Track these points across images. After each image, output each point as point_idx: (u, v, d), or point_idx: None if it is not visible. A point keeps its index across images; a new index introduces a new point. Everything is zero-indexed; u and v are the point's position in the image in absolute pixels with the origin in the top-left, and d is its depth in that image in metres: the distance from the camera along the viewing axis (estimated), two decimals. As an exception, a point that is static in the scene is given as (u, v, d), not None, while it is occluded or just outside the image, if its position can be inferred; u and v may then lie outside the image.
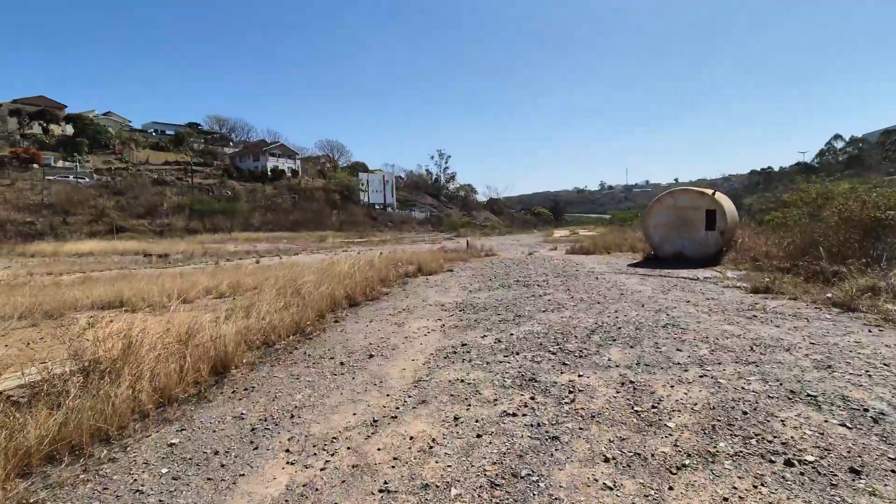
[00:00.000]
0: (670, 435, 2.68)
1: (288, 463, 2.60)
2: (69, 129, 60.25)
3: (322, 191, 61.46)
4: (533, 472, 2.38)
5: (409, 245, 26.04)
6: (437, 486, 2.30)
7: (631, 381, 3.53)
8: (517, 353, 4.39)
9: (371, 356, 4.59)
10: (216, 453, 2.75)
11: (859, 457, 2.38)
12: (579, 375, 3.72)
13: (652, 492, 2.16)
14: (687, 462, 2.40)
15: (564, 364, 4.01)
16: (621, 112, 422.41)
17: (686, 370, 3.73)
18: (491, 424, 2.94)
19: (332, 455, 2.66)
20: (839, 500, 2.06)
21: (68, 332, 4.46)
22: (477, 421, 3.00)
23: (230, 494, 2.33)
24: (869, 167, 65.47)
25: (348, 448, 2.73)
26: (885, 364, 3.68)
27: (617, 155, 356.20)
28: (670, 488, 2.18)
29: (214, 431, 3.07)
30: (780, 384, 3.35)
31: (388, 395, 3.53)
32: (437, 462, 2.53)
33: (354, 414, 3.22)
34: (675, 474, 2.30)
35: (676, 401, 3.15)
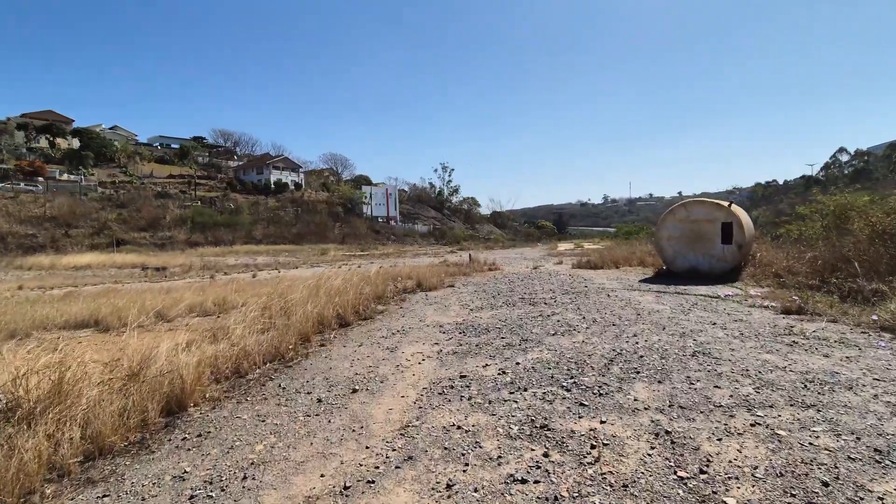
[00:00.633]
0: (732, 517, 2.02)
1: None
2: (76, 143, 60.69)
3: (325, 204, 61.31)
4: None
5: (410, 258, 25.44)
6: None
7: (667, 432, 2.86)
8: (525, 389, 3.73)
9: (355, 390, 3.95)
10: (135, 536, 2.11)
11: None
12: (602, 422, 3.05)
13: None
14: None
15: (582, 405, 3.34)
16: (625, 125, 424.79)
17: (732, 415, 3.05)
18: (494, 496, 2.29)
19: (284, 542, 2.01)
20: None
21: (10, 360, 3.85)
22: (476, 490, 2.34)
23: None
24: (876, 180, 64.69)
25: (307, 530, 2.08)
26: (977, 409, 3.00)
27: (620, 168, 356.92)
28: None
29: (144, 500, 2.42)
30: (858, 439, 2.67)
31: (367, 448, 2.88)
32: (420, 558, 1.87)
33: (322, 476, 2.57)
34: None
35: (730, 462, 2.49)
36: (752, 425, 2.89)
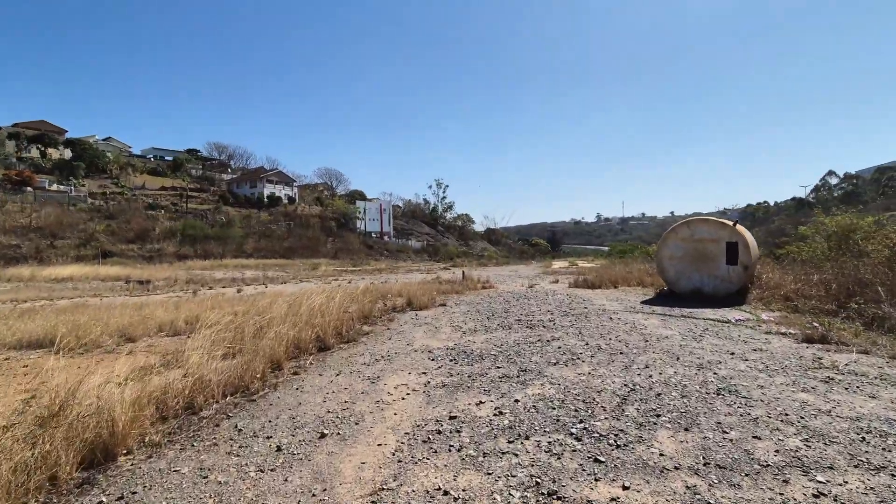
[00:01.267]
0: None
1: None
2: (67, 154, 59.96)
3: (318, 218, 60.69)
4: None
5: (403, 275, 24.80)
6: None
7: (709, 504, 2.26)
8: (526, 437, 3.12)
9: (323, 435, 3.31)
10: None
11: None
12: (624, 487, 2.45)
13: None
14: None
15: (598, 461, 2.74)
16: (618, 145, 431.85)
17: (786, 480, 2.46)
18: None
19: None
20: None
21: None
22: None
23: None
24: (865, 202, 65.50)
25: None
26: None
27: (613, 187, 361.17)
28: None
29: None
30: (957, 519, 2.09)
31: (327, 523, 2.25)
32: None
33: (261, 569, 1.94)
34: None
35: (800, 555, 1.89)
36: (815, 497, 2.30)
